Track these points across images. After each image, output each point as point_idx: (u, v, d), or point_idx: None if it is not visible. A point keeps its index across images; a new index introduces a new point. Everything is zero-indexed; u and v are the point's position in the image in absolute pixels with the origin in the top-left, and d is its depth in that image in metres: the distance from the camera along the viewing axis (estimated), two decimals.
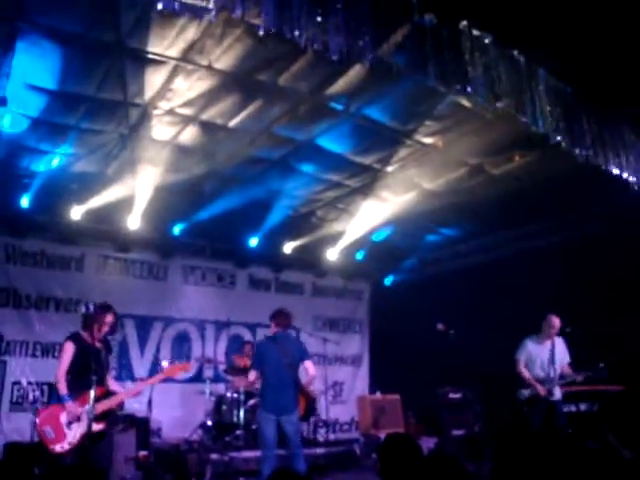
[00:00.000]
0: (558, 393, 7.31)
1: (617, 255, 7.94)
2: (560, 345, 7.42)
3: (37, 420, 5.15)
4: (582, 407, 7.78)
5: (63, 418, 5.07)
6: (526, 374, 7.39)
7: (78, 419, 5.07)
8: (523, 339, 7.59)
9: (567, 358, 7.43)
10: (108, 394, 5.38)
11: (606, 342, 7.63)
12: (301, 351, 6.71)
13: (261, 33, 4.51)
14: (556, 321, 7.45)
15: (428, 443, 8.80)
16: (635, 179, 6.98)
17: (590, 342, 7.33)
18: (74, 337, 5.42)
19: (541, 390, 7.20)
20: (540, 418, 7.19)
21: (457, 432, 9.10)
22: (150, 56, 5.83)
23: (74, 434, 5.04)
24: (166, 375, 5.91)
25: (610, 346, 7.58)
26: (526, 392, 7.36)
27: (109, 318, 5.49)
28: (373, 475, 7.15)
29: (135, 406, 7.97)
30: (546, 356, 7.33)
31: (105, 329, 5.49)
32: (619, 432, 2.44)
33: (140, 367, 9.83)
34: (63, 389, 5.16)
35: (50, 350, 8.90)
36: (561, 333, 7.43)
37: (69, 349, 5.33)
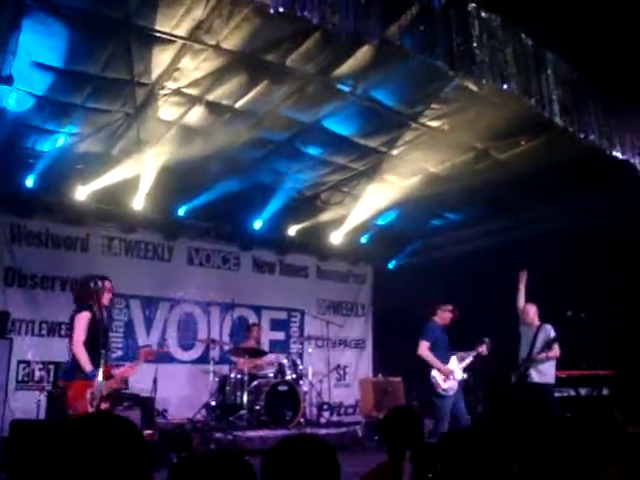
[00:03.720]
0: (537, 376, 7.31)
1: (623, 240, 7.93)
2: (545, 331, 7.44)
3: (68, 396, 4.97)
4: (582, 392, 7.84)
5: (88, 395, 4.91)
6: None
7: (98, 396, 4.89)
8: None
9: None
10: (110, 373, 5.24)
11: (611, 326, 7.65)
12: None
13: (271, 12, 4.49)
14: (529, 308, 7.60)
15: (429, 425, 8.83)
16: None
17: (595, 326, 7.35)
18: (89, 307, 5.18)
19: (513, 375, 7.40)
20: (525, 399, 7.27)
21: None
22: (157, 35, 5.81)
23: (95, 412, 4.87)
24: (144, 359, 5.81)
25: (616, 330, 7.61)
26: (512, 376, 7.52)
27: (108, 284, 5.35)
28: (374, 456, 7.22)
29: (141, 386, 8.02)
30: (529, 342, 7.45)
31: (108, 297, 5.35)
32: (626, 409, 2.48)
33: None
34: (88, 364, 4.94)
35: (56, 329, 8.92)
36: (562, 316, 7.47)
37: (85, 319, 5.08)
